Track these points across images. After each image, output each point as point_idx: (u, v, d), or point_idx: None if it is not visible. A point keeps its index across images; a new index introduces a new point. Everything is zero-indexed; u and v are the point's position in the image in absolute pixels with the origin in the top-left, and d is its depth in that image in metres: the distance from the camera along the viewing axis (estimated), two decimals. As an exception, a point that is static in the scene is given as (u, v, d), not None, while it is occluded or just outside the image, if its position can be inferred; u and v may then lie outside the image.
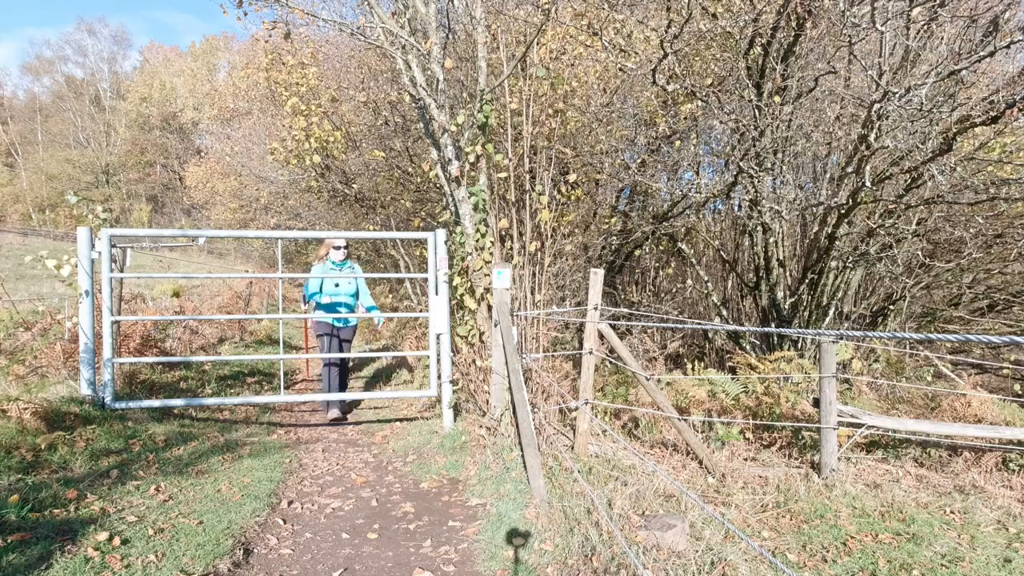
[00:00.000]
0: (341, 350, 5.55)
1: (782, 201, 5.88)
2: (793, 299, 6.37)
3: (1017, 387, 5.19)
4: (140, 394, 5.15)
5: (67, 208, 36.91)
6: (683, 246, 8.21)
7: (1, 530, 2.54)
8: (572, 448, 3.94)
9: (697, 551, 2.64)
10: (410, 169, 8.39)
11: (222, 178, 22.32)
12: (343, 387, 5.59)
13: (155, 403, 4.38)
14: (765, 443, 4.38)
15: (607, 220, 8.05)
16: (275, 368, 7.86)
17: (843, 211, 5.33)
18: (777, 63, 5.48)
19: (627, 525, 2.90)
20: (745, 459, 4.00)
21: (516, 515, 3.11)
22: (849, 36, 4.46)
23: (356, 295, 5.64)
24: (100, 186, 43.83)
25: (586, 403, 3.80)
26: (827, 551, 2.79)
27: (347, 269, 5.52)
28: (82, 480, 3.24)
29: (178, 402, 4.75)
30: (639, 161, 7.51)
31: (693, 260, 8.13)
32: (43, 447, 3.54)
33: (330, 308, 5.50)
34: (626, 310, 7.18)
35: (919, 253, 5.92)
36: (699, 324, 6.62)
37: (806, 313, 6.41)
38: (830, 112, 5.76)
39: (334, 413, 5.30)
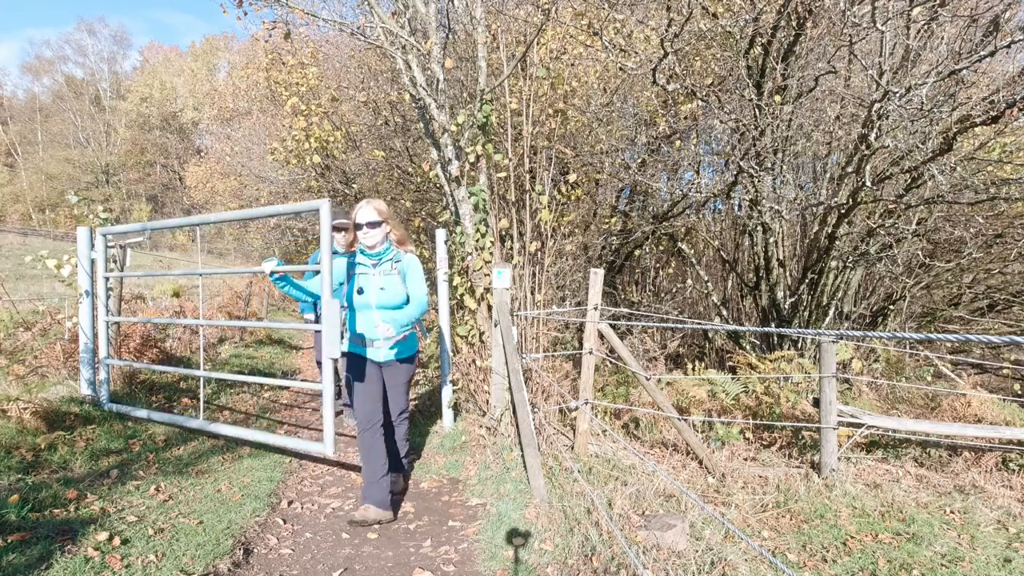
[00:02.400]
0: (385, 400, 3.32)
1: (782, 201, 5.88)
2: (793, 299, 6.37)
3: (1017, 387, 5.20)
4: (140, 394, 5.15)
5: (67, 208, 36.97)
6: (683, 246, 8.22)
7: (1, 530, 2.54)
8: (572, 448, 3.94)
9: (697, 551, 2.64)
10: (410, 169, 8.40)
11: (222, 178, 22.33)
12: (396, 467, 3.49)
13: (142, 413, 4.33)
14: (765, 443, 4.38)
15: (607, 220, 8.05)
16: (275, 368, 7.87)
17: (843, 211, 5.33)
18: (777, 63, 5.48)
19: (627, 525, 2.90)
20: (745, 459, 4.00)
21: (516, 515, 3.11)
22: (849, 36, 4.46)
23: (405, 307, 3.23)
24: (100, 186, 43.89)
25: (586, 403, 3.80)
26: (827, 551, 2.79)
27: (385, 264, 3.20)
28: (82, 480, 3.24)
29: (161, 416, 4.35)
30: (639, 161, 7.52)
31: (693, 260, 8.13)
32: (43, 447, 3.55)
33: (356, 329, 3.24)
34: (626, 310, 7.18)
35: (919, 253, 5.92)
36: (699, 324, 6.63)
37: (806, 313, 6.42)
38: (830, 112, 5.77)
39: (371, 512, 3.11)
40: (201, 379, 4.44)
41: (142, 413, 4.31)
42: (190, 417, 4.40)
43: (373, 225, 3.10)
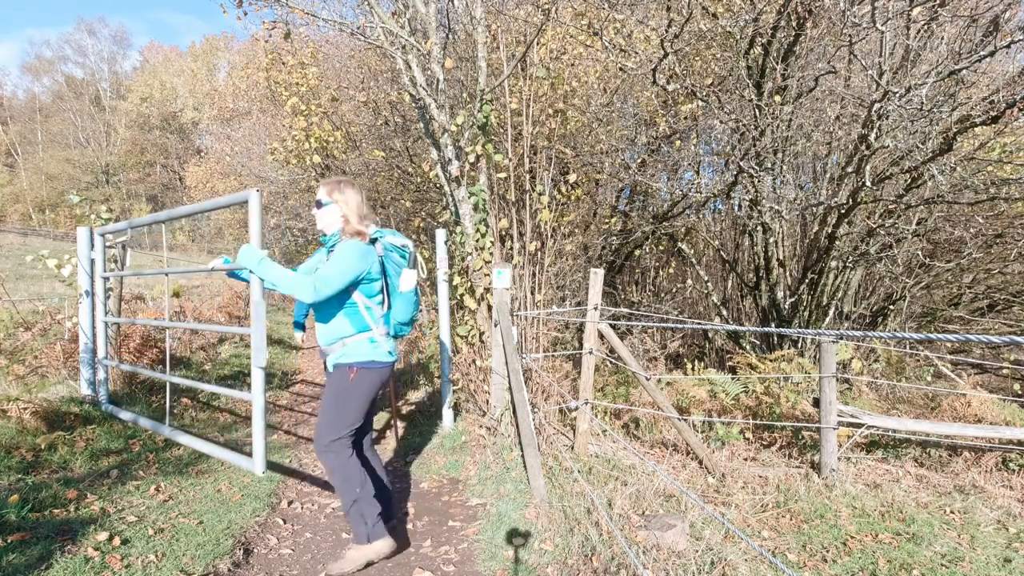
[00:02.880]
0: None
1: (782, 201, 5.88)
2: (793, 299, 6.38)
3: (1017, 387, 5.20)
4: (140, 394, 5.15)
5: (67, 208, 37.02)
6: (683, 246, 8.22)
7: (1, 530, 2.54)
8: (572, 448, 3.93)
9: (697, 551, 2.64)
10: (410, 169, 8.40)
11: (222, 178, 22.38)
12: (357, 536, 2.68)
13: (127, 415, 4.28)
14: (765, 443, 4.38)
15: (607, 220, 8.06)
16: (275, 368, 7.87)
17: (843, 211, 5.33)
18: (777, 63, 5.48)
19: (627, 525, 2.90)
20: (745, 459, 4.00)
21: (516, 515, 3.11)
22: (849, 36, 4.46)
23: (339, 302, 2.66)
24: (100, 186, 43.90)
25: (586, 403, 3.80)
26: (827, 551, 2.79)
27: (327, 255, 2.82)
28: (82, 480, 3.24)
29: (145, 421, 4.19)
30: (639, 161, 7.53)
31: (693, 260, 8.14)
32: (43, 447, 3.55)
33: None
34: (626, 310, 7.19)
35: (919, 253, 5.93)
36: (699, 324, 6.63)
37: (806, 313, 6.42)
38: (830, 112, 5.77)
39: (377, 549, 2.68)
40: (167, 384, 4.14)
41: (128, 415, 4.27)
42: (160, 423, 4.15)
43: (319, 205, 2.70)
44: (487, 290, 4.50)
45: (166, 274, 4.09)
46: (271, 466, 3.94)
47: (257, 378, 3.02)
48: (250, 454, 3.07)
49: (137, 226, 4.38)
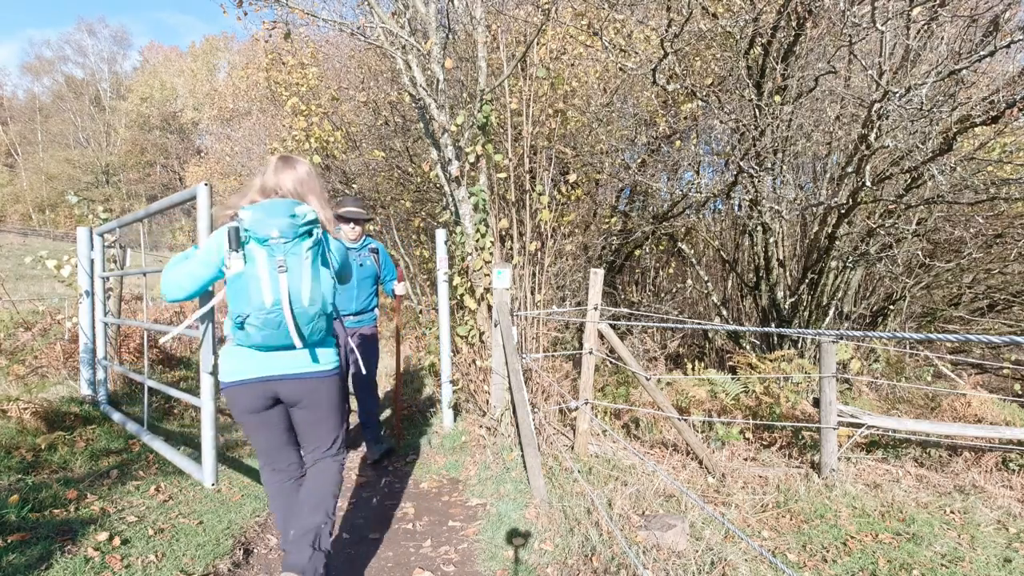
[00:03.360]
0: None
1: (782, 201, 5.88)
2: (793, 299, 6.37)
3: (1017, 387, 5.20)
4: (139, 394, 5.15)
5: (67, 208, 37.02)
6: (683, 246, 8.22)
7: (1, 530, 2.54)
8: (572, 448, 3.93)
9: (697, 551, 2.64)
10: (410, 169, 8.40)
11: (222, 178, 22.34)
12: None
13: (117, 416, 4.23)
14: (765, 443, 4.38)
15: (607, 220, 8.05)
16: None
17: (843, 211, 5.33)
18: (777, 63, 5.48)
19: (627, 525, 2.90)
20: (745, 459, 4.00)
21: (516, 515, 3.11)
22: (849, 36, 4.46)
23: None
24: (100, 186, 43.93)
25: (586, 403, 3.80)
26: (827, 551, 2.79)
27: None
28: (82, 480, 3.24)
29: (132, 426, 4.06)
30: (639, 161, 7.52)
31: (693, 260, 8.13)
32: (43, 447, 3.55)
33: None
34: (626, 310, 7.18)
35: (919, 253, 5.92)
36: (699, 324, 6.62)
37: (806, 313, 6.42)
38: (830, 112, 5.77)
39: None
40: (145, 386, 3.99)
41: (118, 417, 4.25)
42: (140, 426, 4.01)
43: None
44: (487, 290, 4.49)
45: (143, 273, 4.07)
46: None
47: (205, 384, 2.86)
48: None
49: (123, 225, 4.38)
